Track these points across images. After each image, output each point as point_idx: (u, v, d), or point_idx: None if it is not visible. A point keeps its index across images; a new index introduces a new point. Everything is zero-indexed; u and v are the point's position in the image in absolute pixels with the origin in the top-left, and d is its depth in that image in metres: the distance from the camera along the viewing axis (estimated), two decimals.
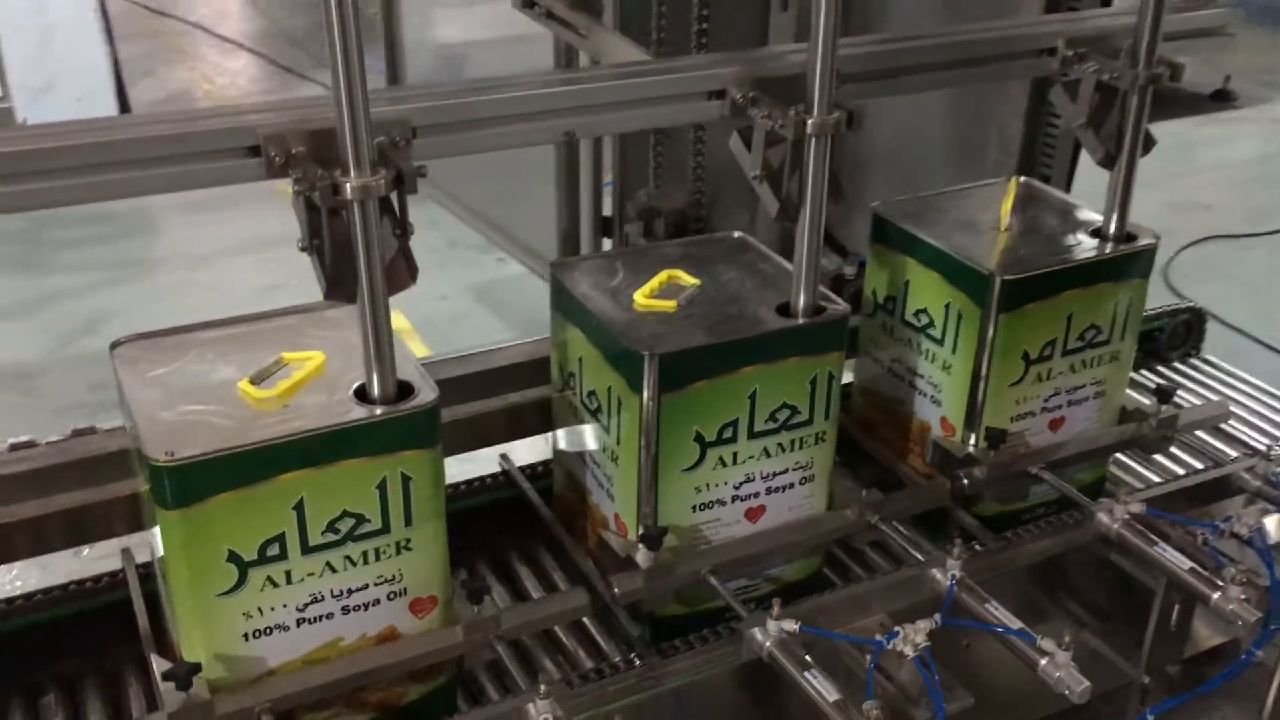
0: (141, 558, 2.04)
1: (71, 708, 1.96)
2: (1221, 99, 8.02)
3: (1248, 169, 7.19)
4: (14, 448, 2.19)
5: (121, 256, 5.62)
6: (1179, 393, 2.97)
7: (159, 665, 1.67)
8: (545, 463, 2.35)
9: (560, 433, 2.21)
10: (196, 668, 1.62)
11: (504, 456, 2.39)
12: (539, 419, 2.29)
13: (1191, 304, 3.12)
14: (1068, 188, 2.98)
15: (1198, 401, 2.85)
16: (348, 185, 1.53)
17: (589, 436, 2.07)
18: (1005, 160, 3.00)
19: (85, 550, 2.23)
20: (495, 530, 2.33)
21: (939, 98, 3.27)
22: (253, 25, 9.39)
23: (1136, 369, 3.05)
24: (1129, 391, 2.76)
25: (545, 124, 1.79)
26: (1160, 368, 3.08)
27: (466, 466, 2.41)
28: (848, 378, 2.56)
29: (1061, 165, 2.95)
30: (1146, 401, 2.42)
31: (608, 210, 3.52)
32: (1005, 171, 2.93)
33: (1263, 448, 2.53)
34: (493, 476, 2.36)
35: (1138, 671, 2.23)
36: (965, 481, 2.19)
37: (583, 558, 2.15)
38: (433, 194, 5.29)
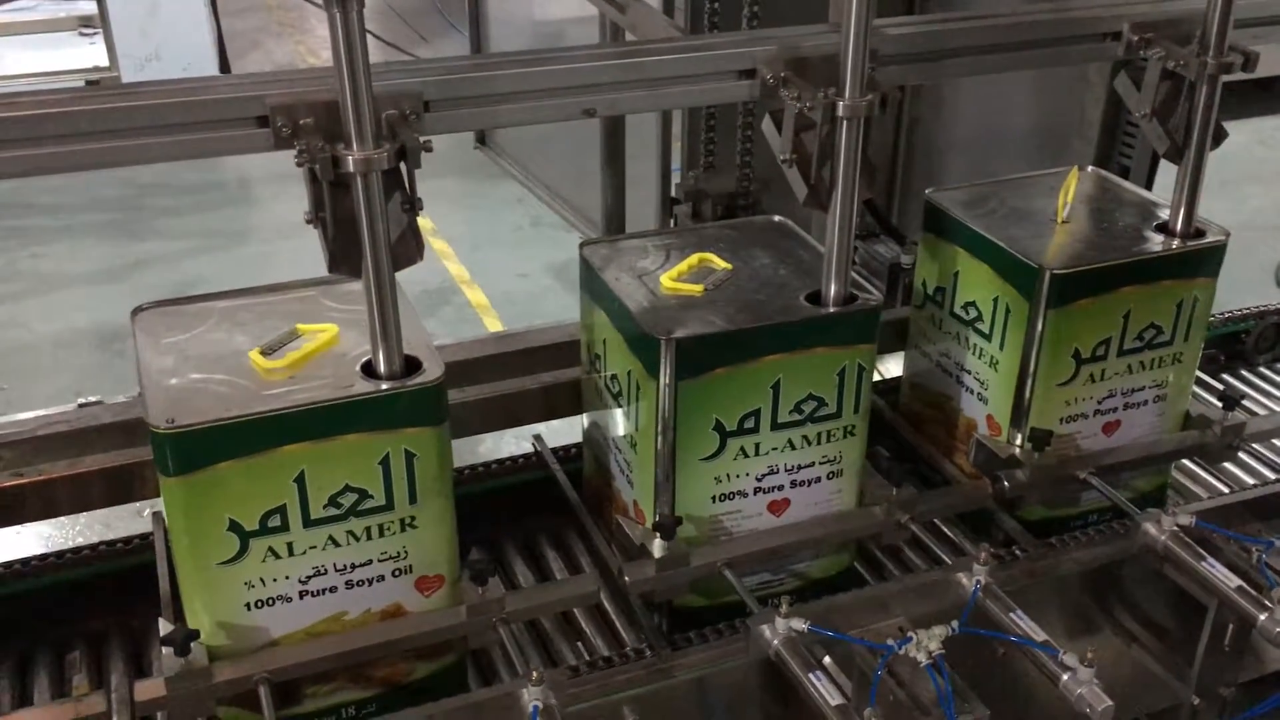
0: None
1: (96, 664, 2.00)
2: None
3: None
4: (82, 405, 2.28)
5: (216, 225, 5.75)
6: (1265, 401, 2.83)
7: (165, 630, 1.69)
8: (579, 444, 2.33)
9: (588, 415, 2.18)
10: (195, 634, 1.64)
11: (537, 437, 2.37)
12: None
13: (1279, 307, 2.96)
14: (1149, 179, 2.84)
15: None
16: (349, 158, 1.51)
17: (612, 420, 2.03)
18: (1085, 149, 2.87)
19: (146, 512, 2.28)
20: (527, 510, 2.31)
21: (1021, 84, 3.14)
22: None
23: (1219, 373, 2.91)
24: (1201, 394, 2.64)
25: (564, 100, 1.75)
26: (1245, 372, 2.93)
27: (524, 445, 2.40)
28: (898, 370, 2.49)
29: (1143, 156, 2.80)
30: (1214, 407, 2.29)
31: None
32: (1086, 161, 2.80)
33: None
34: (525, 457, 2.34)
35: (1188, 692, 2.11)
36: (1007, 484, 2.09)
37: (604, 542, 2.13)
38: (516, 173, 5.31)
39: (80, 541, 2.12)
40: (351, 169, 1.52)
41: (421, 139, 1.56)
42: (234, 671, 1.65)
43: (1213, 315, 2.92)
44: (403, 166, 1.58)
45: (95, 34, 6.75)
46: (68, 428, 2.13)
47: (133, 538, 2.11)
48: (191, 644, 1.63)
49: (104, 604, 2.06)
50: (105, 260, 5.29)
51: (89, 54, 6.52)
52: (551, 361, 2.31)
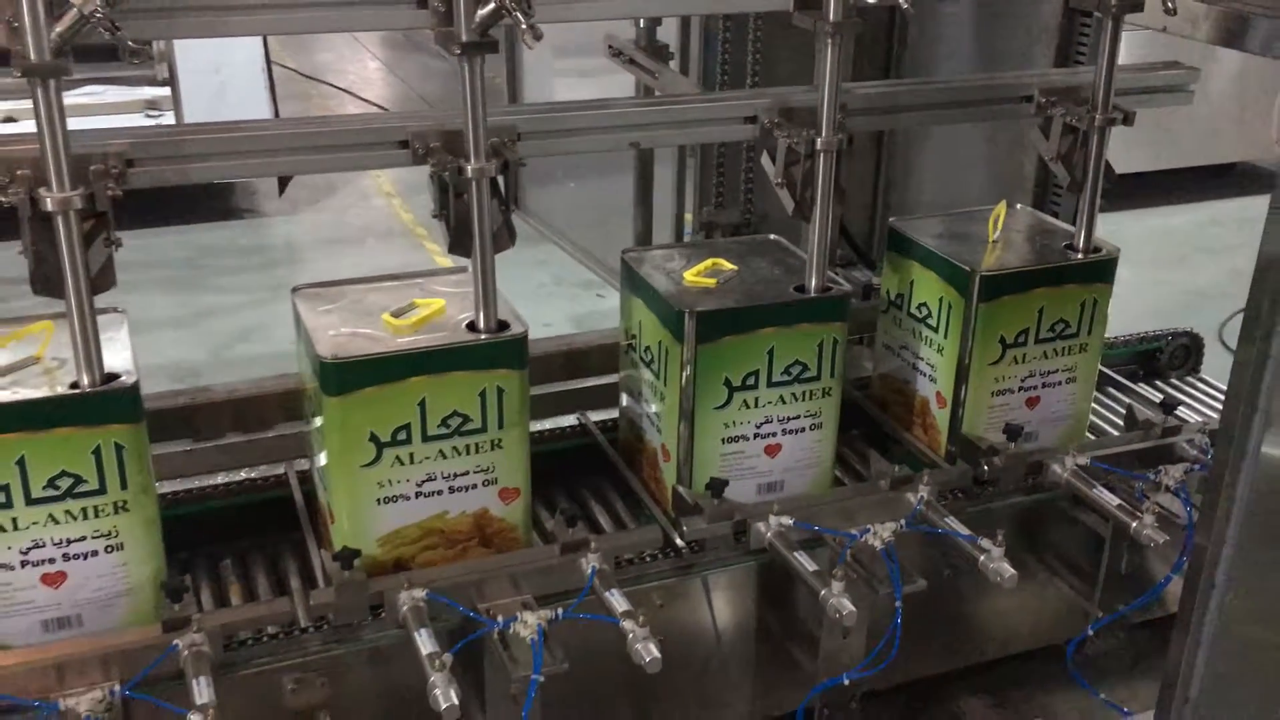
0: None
1: (243, 569, 2.57)
2: None
3: None
4: None
5: (269, 282, 6.38)
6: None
7: (325, 558, 2.30)
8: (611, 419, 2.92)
9: (625, 386, 2.78)
10: (356, 553, 2.17)
11: (582, 413, 2.97)
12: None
13: (1189, 329, 3.58)
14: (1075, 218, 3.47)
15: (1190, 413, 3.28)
16: (469, 168, 2.14)
17: (646, 383, 2.63)
18: (1024, 200, 3.51)
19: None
20: (572, 469, 2.89)
21: (972, 150, 3.80)
22: (393, 90, 10.36)
23: (1139, 383, 3.51)
24: (1120, 397, 3.25)
25: (617, 135, 2.40)
26: (1159, 383, 3.53)
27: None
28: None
29: (1069, 202, 3.45)
30: (1152, 414, 2.84)
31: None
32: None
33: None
34: (571, 428, 2.94)
35: (1093, 607, 2.70)
36: (986, 468, 2.64)
37: (640, 487, 2.71)
38: (546, 233, 6.00)
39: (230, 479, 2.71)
40: (470, 175, 2.15)
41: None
42: (384, 585, 2.17)
43: (1130, 335, 3.56)
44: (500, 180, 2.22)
45: (160, 115, 7.49)
46: None
47: (269, 476, 2.70)
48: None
49: (247, 526, 2.64)
50: (174, 310, 5.92)
51: None
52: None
